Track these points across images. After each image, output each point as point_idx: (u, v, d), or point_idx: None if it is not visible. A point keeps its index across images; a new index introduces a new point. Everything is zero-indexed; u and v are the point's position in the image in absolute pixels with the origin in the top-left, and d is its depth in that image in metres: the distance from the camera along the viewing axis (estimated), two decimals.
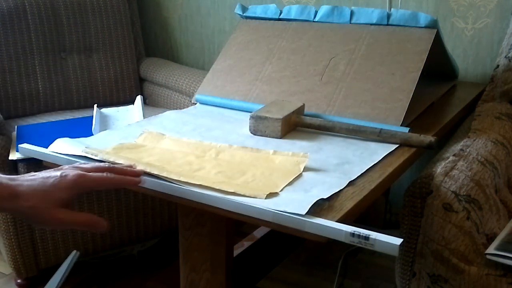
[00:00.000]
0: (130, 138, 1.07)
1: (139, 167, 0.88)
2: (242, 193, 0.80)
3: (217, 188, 0.82)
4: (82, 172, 0.75)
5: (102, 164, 0.80)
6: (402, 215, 1.01)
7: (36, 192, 0.70)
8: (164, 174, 0.86)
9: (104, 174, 0.76)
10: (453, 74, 1.60)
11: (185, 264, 1.04)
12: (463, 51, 1.70)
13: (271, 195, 0.81)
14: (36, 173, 0.74)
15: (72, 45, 2.02)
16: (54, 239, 1.57)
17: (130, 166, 0.86)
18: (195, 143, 1.03)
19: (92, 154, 0.93)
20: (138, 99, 1.80)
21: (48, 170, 0.75)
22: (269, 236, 1.37)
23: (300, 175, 0.89)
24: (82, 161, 0.93)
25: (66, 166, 0.78)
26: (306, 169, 0.92)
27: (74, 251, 0.82)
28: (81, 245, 1.61)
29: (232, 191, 0.80)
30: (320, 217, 0.75)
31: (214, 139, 1.06)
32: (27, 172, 1.54)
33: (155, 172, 0.86)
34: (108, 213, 1.61)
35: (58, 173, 0.73)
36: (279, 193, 0.82)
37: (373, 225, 0.91)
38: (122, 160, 0.90)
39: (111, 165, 0.81)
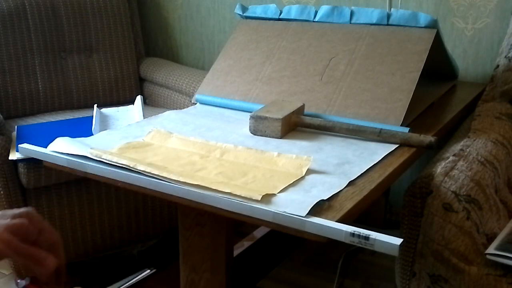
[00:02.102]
0: (130, 138, 1.07)
1: (140, 168, 0.88)
2: (238, 194, 0.80)
3: (214, 188, 0.82)
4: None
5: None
6: (402, 215, 1.01)
7: None
8: (164, 174, 0.86)
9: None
10: (453, 74, 1.60)
11: (185, 264, 1.04)
12: (463, 51, 1.70)
13: (268, 196, 0.80)
14: None
15: (72, 45, 2.02)
16: None
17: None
18: (201, 142, 1.04)
19: (96, 156, 0.93)
20: (138, 99, 1.80)
21: None
22: (269, 236, 1.37)
23: (301, 178, 0.89)
24: (81, 161, 0.93)
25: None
26: (307, 169, 0.92)
27: (148, 270, 0.81)
28: (81, 245, 1.61)
29: (228, 191, 0.80)
30: (320, 217, 0.75)
31: (214, 139, 1.06)
32: (27, 172, 1.55)
33: (155, 172, 0.86)
34: (108, 213, 1.61)
35: None
36: (278, 193, 0.82)
37: (373, 225, 0.91)
38: (124, 160, 0.90)
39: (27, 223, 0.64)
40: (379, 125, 1.10)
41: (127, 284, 0.86)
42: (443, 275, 0.94)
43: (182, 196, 0.84)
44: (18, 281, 0.66)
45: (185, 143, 1.04)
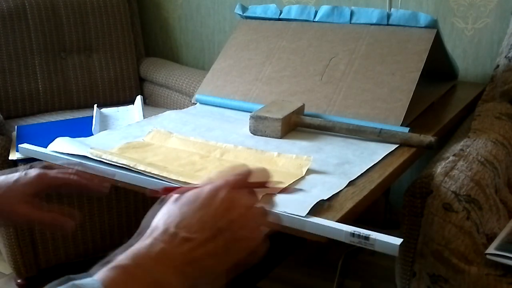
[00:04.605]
0: (130, 138, 1.07)
1: (140, 168, 0.88)
2: None
3: None
4: (46, 170, 0.75)
5: (70, 168, 0.78)
6: (402, 215, 1.01)
7: None
8: (164, 174, 0.86)
9: (70, 176, 0.75)
10: (453, 74, 1.60)
11: None
12: (463, 51, 1.70)
13: (268, 196, 0.80)
14: (2, 171, 0.75)
15: (72, 45, 2.02)
16: (54, 239, 1.56)
17: (96, 178, 0.80)
18: (201, 142, 1.04)
19: (96, 156, 0.93)
20: (138, 99, 1.80)
21: (13, 169, 0.76)
22: (269, 236, 1.37)
23: (301, 178, 0.89)
24: (81, 161, 0.93)
25: (33, 165, 0.77)
26: (307, 169, 0.92)
27: None
28: (81, 245, 1.61)
29: None
30: (320, 217, 0.75)
31: (214, 139, 1.06)
32: None
33: (155, 172, 0.86)
34: (108, 213, 1.61)
35: (22, 171, 0.74)
36: (278, 193, 0.82)
37: (373, 225, 0.91)
38: (124, 160, 0.90)
39: (78, 171, 0.77)
40: (379, 125, 1.10)
41: None
42: (443, 275, 0.94)
43: None
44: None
45: (185, 143, 1.04)
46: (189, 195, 0.51)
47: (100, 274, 0.45)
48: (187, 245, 0.47)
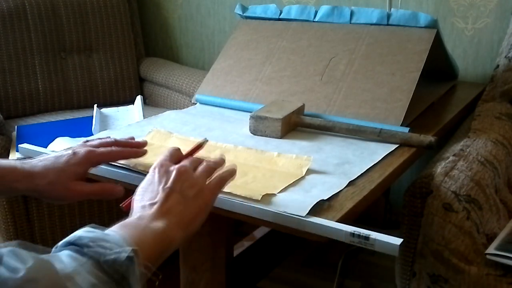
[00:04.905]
0: None
1: (140, 168, 0.88)
2: (238, 193, 0.80)
3: None
4: (91, 148, 0.81)
5: (107, 139, 0.87)
6: (402, 215, 1.01)
7: (51, 170, 0.77)
8: None
9: (111, 148, 0.83)
10: (453, 74, 1.60)
11: (185, 264, 1.04)
12: (463, 51, 1.70)
13: (268, 196, 0.80)
14: (47, 156, 0.80)
15: (72, 45, 2.02)
16: (54, 238, 1.56)
17: (132, 138, 0.92)
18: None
19: None
20: (138, 99, 1.80)
21: (59, 151, 0.81)
22: (269, 236, 1.37)
23: (301, 178, 0.89)
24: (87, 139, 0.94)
25: (76, 145, 0.84)
26: (307, 169, 0.92)
27: None
28: None
29: (228, 191, 0.80)
30: (320, 217, 0.75)
31: (214, 139, 1.06)
32: None
33: None
34: (108, 213, 1.61)
35: (69, 151, 0.80)
36: (278, 193, 0.82)
37: (373, 225, 0.91)
38: (124, 160, 0.90)
39: (115, 139, 0.87)
40: (379, 125, 1.10)
41: None
42: (443, 275, 0.95)
43: None
44: None
45: (185, 143, 1.04)
46: (143, 181, 0.71)
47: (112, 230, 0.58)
48: (156, 206, 0.65)
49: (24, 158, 1.43)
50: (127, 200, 0.72)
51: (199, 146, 0.83)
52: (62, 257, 0.50)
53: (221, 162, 0.78)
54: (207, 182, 0.72)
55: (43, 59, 1.95)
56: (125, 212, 0.69)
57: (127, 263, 0.51)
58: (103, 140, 0.86)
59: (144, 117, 1.62)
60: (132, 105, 1.83)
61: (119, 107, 1.79)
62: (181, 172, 0.70)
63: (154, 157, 0.96)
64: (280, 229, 0.77)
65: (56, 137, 1.04)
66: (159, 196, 0.66)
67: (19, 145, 1.04)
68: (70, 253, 0.51)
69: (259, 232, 1.37)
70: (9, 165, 0.76)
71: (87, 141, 0.87)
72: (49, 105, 1.97)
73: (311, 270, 1.74)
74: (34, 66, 1.94)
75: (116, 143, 0.85)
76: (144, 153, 0.88)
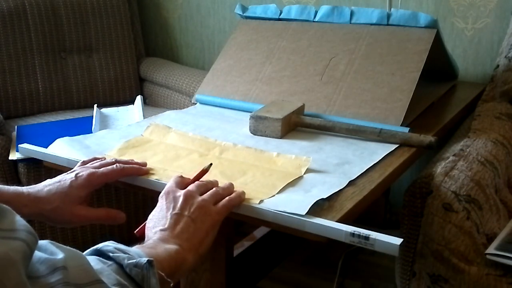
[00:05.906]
0: (130, 137, 1.07)
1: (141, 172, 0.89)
2: None
3: None
4: (92, 170, 0.83)
5: (107, 160, 0.88)
6: (402, 215, 1.01)
7: (55, 194, 0.79)
8: (164, 179, 0.86)
9: (113, 166, 0.84)
10: (453, 74, 1.60)
11: None
12: (463, 51, 1.70)
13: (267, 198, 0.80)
14: (51, 179, 0.82)
15: (72, 45, 2.02)
16: (54, 239, 1.56)
17: (132, 160, 0.92)
18: (200, 139, 1.04)
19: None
20: (138, 99, 1.80)
21: (62, 175, 0.83)
22: (269, 236, 1.37)
23: (300, 177, 0.89)
24: (85, 160, 0.93)
25: (77, 168, 0.85)
26: (306, 169, 0.92)
27: None
28: (81, 245, 1.61)
29: None
30: (320, 217, 0.75)
31: (214, 139, 1.06)
32: (27, 172, 1.55)
33: (156, 178, 0.87)
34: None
35: (72, 175, 0.81)
36: (278, 193, 0.82)
37: (373, 225, 0.91)
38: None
39: (116, 159, 0.89)
40: (379, 125, 1.10)
41: None
42: (443, 275, 0.94)
43: None
44: None
45: (184, 139, 1.04)
46: (154, 210, 0.75)
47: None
48: (167, 231, 0.69)
49: (24, 158, 1.43)
50: (140, 227, 0.76)
51: (204, 171, 0.83)
52: (89, 259, 0.53)
53: (229, 188, 0.80)
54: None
55: (43, 59, 1.95)
56: (138, 238, 0.73)
57: (147, 266, 0.55)
58: (104, 161, 0.87)
59: (144, 117, 1.62)
60: (132, 105, 1.83)
61: (119, 107, 1.79)
62: (188, 197, 0.73)
63: (153, 157, 0.96)
64: (280, 229, 0.77)
65: (56, 137, 1.04)
66: (169, 222, 0.70)
67: (19, 145, 1.04)
68: (96, 257, 0.55)
69: (259, 232, 1.37)
70: (15, 191, 0.78)
71: (85, 161, 0.88)
72: (49, 105, 1.97)
73: (311, 270, 1.74)
74: (34, 66, 1.93)
75: (117, 162, 0.86)
76: (146, 172, 0.88)
